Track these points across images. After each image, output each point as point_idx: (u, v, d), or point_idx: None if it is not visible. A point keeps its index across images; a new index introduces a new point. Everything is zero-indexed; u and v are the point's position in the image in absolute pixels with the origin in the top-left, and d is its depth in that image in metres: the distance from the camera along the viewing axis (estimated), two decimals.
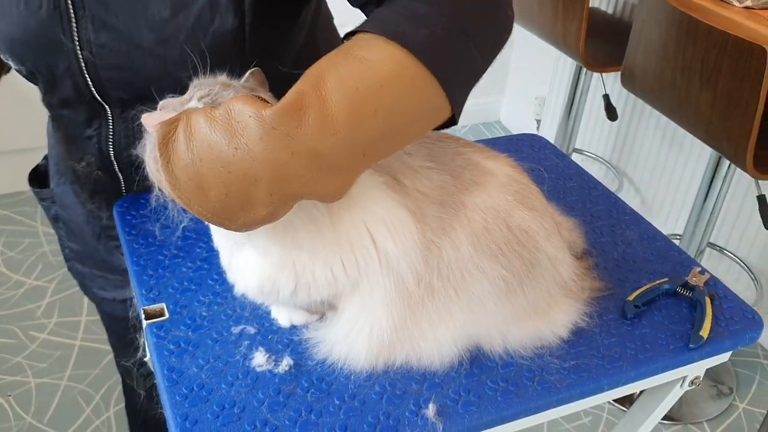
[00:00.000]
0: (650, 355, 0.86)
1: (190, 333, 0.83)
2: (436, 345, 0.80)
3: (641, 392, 1.03)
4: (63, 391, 2.01)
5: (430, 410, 0.76)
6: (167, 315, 0.85)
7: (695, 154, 2.33)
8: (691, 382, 0.95)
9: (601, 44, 2.18)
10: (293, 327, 0.85)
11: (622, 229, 1.07)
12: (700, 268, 0.99)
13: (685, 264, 1.01)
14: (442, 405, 0.77)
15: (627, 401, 2.06)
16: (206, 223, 0.81)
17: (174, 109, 0.67)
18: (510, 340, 0.83)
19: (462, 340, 0.81)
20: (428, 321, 0.79)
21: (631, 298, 0.93)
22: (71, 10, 0.83)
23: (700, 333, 0.88)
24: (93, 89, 0.89)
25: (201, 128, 0.60)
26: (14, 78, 1.00)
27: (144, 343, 0.87)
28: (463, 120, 0.79)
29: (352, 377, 0.79)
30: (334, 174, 0.62)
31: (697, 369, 0.93)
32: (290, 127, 0.58)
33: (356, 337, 0.78)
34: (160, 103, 0.68)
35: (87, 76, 0.87)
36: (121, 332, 1.17)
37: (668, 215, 2.50)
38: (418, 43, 0.62)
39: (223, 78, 0.73)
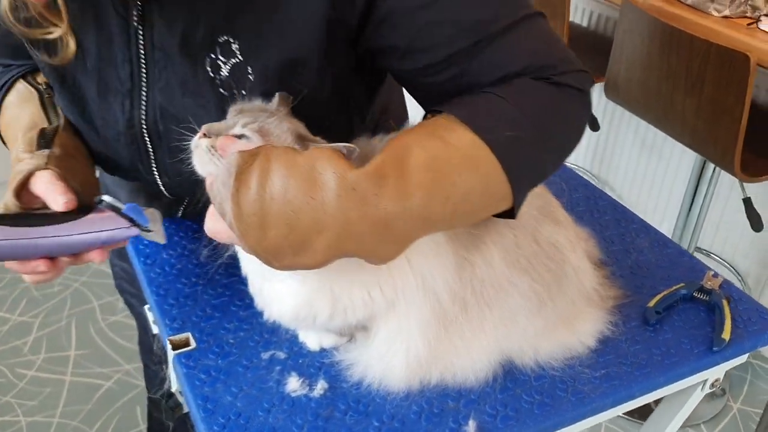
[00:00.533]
0: (676, 360, 0.87)
1: (219, 361, 0.82)
2: (470, 361, 0.80)
3: (657, 400, 1.04)
4: (56, 429, 1.96)
5: (471, 427, 0.76)
6: (194, 344, 0.84)
7: (675, 161, 2.37)
8: (712, 385, 0.97)
9: (580, 56, 2.20)
10: (323, 350, 0.85)
11: (632, 237, 1.08)
12: (713, 272, 1.01)
13: (697, 269, 1.03)
14: (482, 421, 0.77)
15: (635, 412, 2.07)
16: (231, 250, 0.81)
17: (218, 133, 0.67)
18: (541, 352, 0.84)
19: (495, 355, 0.81)
20: (462, 337, 0.79)
21: (651, 304, 0.94)
22: (148, 144, 0.85)
23: (722, 336, 0.90)
24: (170, 195, 0.93)
25: (281, 169, 0.60)
26: None
27: (170, 375, 0.86)
28: None
29: (389, 398, 0.79)
30: (392, 242, 0.64)
31: (718, 371, 0.94)
32: (369, 192, 0.61)
33: (392, 357, 0.78)
34: (204, 126, 0.68)
35: (164, 190, 0.92)
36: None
37: (651, 222, 2.54)
38: (501, 144, 0.66)
39: (259, 103, 0.73)
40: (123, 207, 0.74)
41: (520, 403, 0.80)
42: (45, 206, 0.76)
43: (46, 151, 0.80)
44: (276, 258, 0.62)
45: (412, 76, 0.78)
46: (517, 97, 0.70)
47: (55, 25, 0.75)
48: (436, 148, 0.65)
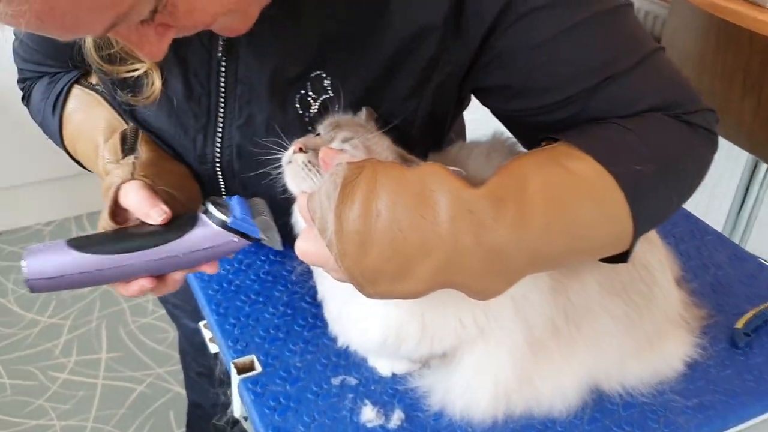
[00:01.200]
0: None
1: (287, 387, 0.77)
2: (558, 388, 0.75)
3: None
4: None
5: None
6: (259, 368, 0.79)
7: (722, 162, 2.30)
8: None
9: None
10: (395, 375, 0.80)
11: (708, 251, 1.03)
12: None
13: None
14: None
15: None
16: (299, 268, 0.76)
17: (315, 148, 0.62)
18: (629, 376, 0.79)
19: (583, 381, 0.76)
20: (551, 363, 0.74)
21: (739, 325, 0.88)
22: (220, 180, 0.81)
23: None
24: None
25: (389, 184, 0.55)
26: (16, 111, 0.96)
27: (234, 400, 0.81)
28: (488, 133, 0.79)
29: (470, 429, 0.74)
30: (502, 276, 0.58)
31: None
32: (486, 215, 0.55)
33: (478, 387, 0.73)
34: (299, 141, 0.63)
35: None
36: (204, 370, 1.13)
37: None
38: (628, 178, 0.60)
39: (350, 116, 0.68)
40: (229, 219, 0.66)
41: None
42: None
43: (131, 157, 0.74)
44: (372, 283, 0.57)
45: (521, 116, 0.72)
46: (645, 131, 0.65)
47: (140, 61, 0.70)
48: (557, 175, 0.60)
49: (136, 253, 0.66)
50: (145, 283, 0.68)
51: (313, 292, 0.83)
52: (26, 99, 0.93)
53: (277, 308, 0.88)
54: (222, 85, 0.73)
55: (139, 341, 2.22)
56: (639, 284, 0.76)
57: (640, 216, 0.62)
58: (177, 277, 0.70)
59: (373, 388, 0.78)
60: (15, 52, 0.88)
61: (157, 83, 0.71)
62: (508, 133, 0.78)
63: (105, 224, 0.71)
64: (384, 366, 0.80)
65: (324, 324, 0.82)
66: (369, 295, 0.58)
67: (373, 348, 0.74)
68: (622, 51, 0.67)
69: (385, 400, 0.77)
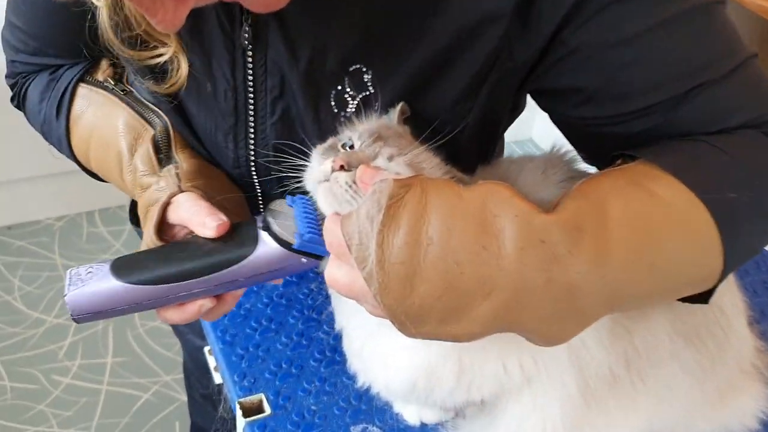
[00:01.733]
0: None
1: None
2: None
3: None
4: None
5: None
6: (268, 410, 0.70)
7: None
8: None
9: None
10: (423, 425, 0.70)
11: None
12: None
13: None
14: None
15: None
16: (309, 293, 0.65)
17: (359, 164, 0.53)
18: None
19: None
20: (606, 418, 0.63)
21: None
22: (257, 186, 0.72)
23: None
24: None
25: (443, 206, 0.45)
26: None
27: None
28: None
29: None
30: (573, 319, 0.48)
31: None
32: (561, 247, 0.45)
33: None
34: (342, 156, 0.53)
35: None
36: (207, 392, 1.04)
37: None
38: (722, 208, 0.52)
39: (387, 121, 0.58)
40: (295, 239, 0.56)
41: None
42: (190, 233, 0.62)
43: (171, 167, 0.65)
44: (417, 323, 0.47)
45: (592, 125, 0.62)
46: (740, 152, 0.55)
47: (164, 44, 0.60)
48: (641, 201, 0.50)
49: (191, 281, 0.56)
50: (204, 302, 0.59)
51: (332, 318, 0.73)
52: (18, 99, 0.82)
53: (291, 337, 0.78)
54: (250, 78, 0.63)
55: (147, 346, 2.14)
56: (714, 328, 0.65)
57: (732, 250, 0.53)
58: (238, 293, 0.61)
59: None
60: (3, 39, 0.77)
61: (184, 68, 0.62)
62: (566, 146, 0.68)
63: (150, 242, 0.62)
64: (412, 414, 0.70)
65: (343, 358, 0.72)
66: (410, 336, 0.48)
67: (400, 390, 0.64)
68: (716, 55, 0.57)
69: None
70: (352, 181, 0.52)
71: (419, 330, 0.47)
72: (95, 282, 0.56)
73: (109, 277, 0.56)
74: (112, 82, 0.75)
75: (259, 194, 0.73)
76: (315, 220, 0.56)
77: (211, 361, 0.83)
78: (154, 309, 0.58)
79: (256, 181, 0.71)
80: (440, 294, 0.45)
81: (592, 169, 0.71)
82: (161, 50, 0.61)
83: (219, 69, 0.63)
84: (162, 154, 0.68)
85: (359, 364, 0.66)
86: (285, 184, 0.69)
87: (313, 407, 0.70)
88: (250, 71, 0.63)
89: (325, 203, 0.53)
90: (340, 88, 0.62)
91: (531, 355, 0.60)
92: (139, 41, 0.61)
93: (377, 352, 0.63)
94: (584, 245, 0.46)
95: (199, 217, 0.59)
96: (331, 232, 0.49)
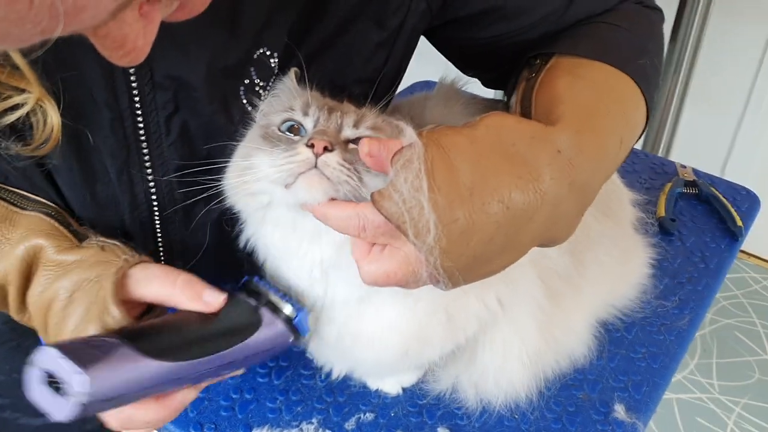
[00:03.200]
0: (715, 260, 0.85)
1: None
2: (574, 333, 0.70)
3: None
4: None
5: (620, 411, 0.66)
6: None
7: None
8: None
9: None
10: (406, 391, 0.68)
11: None
12: (681, 164, 1.00)
13: (668, 168, 1.01)
14: (622, 399, 0.67)
15: None
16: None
17: (336, 140, 0.49)
18: (620, 299, 0.76)
19: (591, 318, 0.72)
20: (564, 312, 0.67)
21: (661, 214, 0.90)
22: (156, 224, 0.60)
23: (738, 224, 0.89)
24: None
25: (465, 152, 0.44)
26: None
27: None
28: None
29: (518, 416, 0.65)
30: (583, 211, 0.50)
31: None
32: (572, 152, 0.47)
33: (511, 363, 0.64)
34: (315, 136, 0.48)
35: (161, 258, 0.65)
36: None
37: None
38: (639, 75, 0.58)
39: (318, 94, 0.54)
40: (294, 315, 0.52)
41: (635, 363, 0.71)
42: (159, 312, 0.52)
43: (93, 239, 0.54)
44: (468, 273, 0.45)
45: (501, 41, 0.63)
46: (629, 24, 0.63)
47: (20, 90, 0.46)
48: (593, 90, 0.54)
49: (206, 359, 0.47)
50: (189, 393, 0.51)
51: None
52: None
53: None
54: (136, 98, 0.52)
55: None
56: (614, 198, 0.74)
57: (651, 107, 0.61)
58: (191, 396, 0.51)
59: (393, 414, 0.65)
60: None
61: (55, 119, 0.47)
62: (451, 77, 0.69)
63: (117, 322, 0.49)
64: (391, 384, 0.67)
65: (291, 361, 0.67)
66: (455, 287, 0.46)
67: (391, 363, 0.61)
68: None
69: (418, 421, 0.65)
70: (343, 159, 0.47)
71: (468, 279, 0.45)
72: (111, 359, 0.43)
73: (128, 352, 0.44)
74: None
75: (159, 233, 0.62)
76: (289, 296, 0.54)
77: None
78: (158, 393, 0.47)
79: (157, 220, 0.60)
80: (491, 236, 0.44)
81: (487, 93, 0.74)
82: (16, 99, 0.46)
83: (100, 97, 0.51)
84: (76, 229, 0.54)
85: (336, 353, 0.62)
86: (189, 211, 0.60)
87: (293, 422, 0.64)
88: (135, 91, 0.52)
89: (316, 192, 0.47)
90: (248, 81, 0.55)
91: (504, 284, 0.61)
92: None
93: (363, 334, 0.59)
94: (587, 145, 0.48)
95: (190, 291, 0.49)
96: (361, 217, 0.44)
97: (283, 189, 0.49)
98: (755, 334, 1.94)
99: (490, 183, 0.43)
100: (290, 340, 0.52)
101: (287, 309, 0.52)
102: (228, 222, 0.57)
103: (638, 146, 1.03)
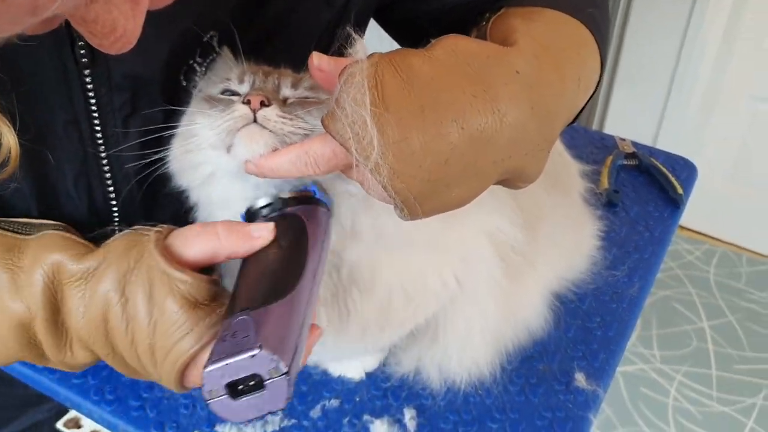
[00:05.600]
0: (659, 228, 0.87)
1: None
2: (531, 307, 0.70)
3: None
4: None
5: (580, 379, 0.67)
6: None
7: None
8: None
9: None
10: (369, 375, 0.67)
11: None
12: (620, 137, 1.02)
13: (607, 141, 1.03)
14: (582, 367, 0.69)
15: None
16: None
17: (273, 97, 0.48)
18: (572, 271, 0.77)
19: (546, 290, 0.72)
20: (520, 286, 0.68)
21: (605, 186, 0.92)
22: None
23: (678, 192, 0.92)
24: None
25: (420, 69, 0.42)
26: None
27: None
28: None
29: (483, 392, 0.66)
30: (549, 146, 0.48)
31: None
32: (532, 74, 0.45)
33: (472, 341, 0.65)
34: (251, 94, 0.47)
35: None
36: None
37: None
38: (590, 21, 0.57)
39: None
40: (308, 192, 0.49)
41: (591, 333, 0.73)
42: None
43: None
44: (425, 199, 0.43)
45: (440, 8, 0.63)
46: None
47: None
48: (551, 30, 0.53)
49: (308, 268, 0.45)
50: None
51: None
52: None
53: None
54: (92, 100, 0.50)
55: None
56: (562, 169, 0.74)
57: (603, 49, 0.60)
58: None
59: (358, 399, 0.65)
60: None
61: (11, 140, 0.43)
62: None
63: (192, 286, 0.45)
64: (354, 368, 0.67)
65: None
66: (416, 218, 0.45)
67: (350, 345, 0.61)
68: None
69: (383, 404, 0.64)
70: (283, 112, 0.47)
71: (427, 208, 0.44)
72: (258, 324, 0.40)
73: (260, 312, 0.41)
74: None
75: (117, 221, 0.59)
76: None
77: None
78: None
79: (116, 220, 0.57)
80: (446, 158, 0.42)
81: None
82: None
83: (54, 101, 0.48)
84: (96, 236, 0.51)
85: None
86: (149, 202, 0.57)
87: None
88: (91, 93, 0.49)
89: (257, 145, 0.46)
90: (191, 62, 0.53)
91: (461, 259, 0.61)
92: None
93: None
94: (545, 70, 0.47)
95: (236, 235, 0.46)
96: (310, 153, 0.43)
97: (226, 155, 0.47)
98: (691, 304, 2.02)
99: (444, 102, 0.42)
100: (329, 210, 0.50)
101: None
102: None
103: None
